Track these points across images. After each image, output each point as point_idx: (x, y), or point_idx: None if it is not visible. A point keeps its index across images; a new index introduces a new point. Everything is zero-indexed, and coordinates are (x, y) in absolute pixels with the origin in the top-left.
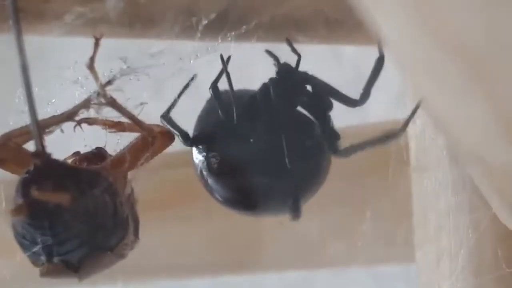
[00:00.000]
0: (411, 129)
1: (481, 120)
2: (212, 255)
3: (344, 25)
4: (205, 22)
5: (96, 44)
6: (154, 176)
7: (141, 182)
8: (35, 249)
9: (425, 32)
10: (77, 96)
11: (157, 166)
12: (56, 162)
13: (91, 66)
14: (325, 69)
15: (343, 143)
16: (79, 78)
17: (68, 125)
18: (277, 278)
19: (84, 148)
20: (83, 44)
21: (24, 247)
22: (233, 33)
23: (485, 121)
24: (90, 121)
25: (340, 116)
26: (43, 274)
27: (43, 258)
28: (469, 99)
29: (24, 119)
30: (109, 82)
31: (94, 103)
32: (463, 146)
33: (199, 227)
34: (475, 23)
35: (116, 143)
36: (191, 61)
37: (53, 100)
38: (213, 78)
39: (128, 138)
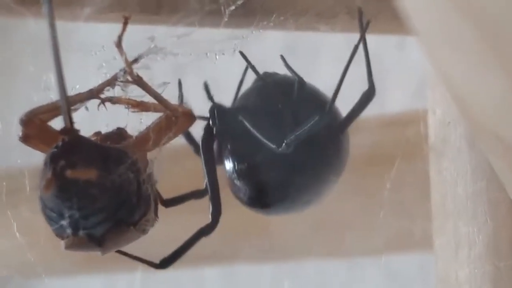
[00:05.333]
0: (430, 118)
1: (501, 96)
2: (226, 245)
3: (364, 14)
4: (228, 10)
5: (125, 23)
6: (169, 167)
7: (157, 173)
8: (63, 222)
9: (452, 4)
10: (101, 82)
11: (171, 157)
12: (84, 138)
13: (118, 44)
14: (345, 57)
15: (362, 133)
16: (103, 64)
17: (91, 105)
18: (292, 268)
19: (106, 128)
20: (107, 29)
21: (52, 220)
22: (255, 22)
23: (504, 97)
24: (114, 100)
25: None
26: (68, 246)
27: (69, 231)
28: (489, 73)
29: (49, 97)
30: (135, 60)
31: (120, 81)
32: (483, 126)
33: None
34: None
35: (139, 122)
36: (214, 47)
37: (77, 86)
38: (234, 66)
39: (151, 118)
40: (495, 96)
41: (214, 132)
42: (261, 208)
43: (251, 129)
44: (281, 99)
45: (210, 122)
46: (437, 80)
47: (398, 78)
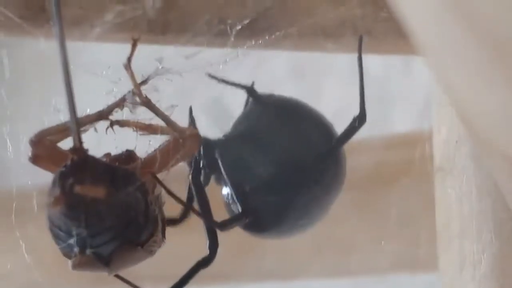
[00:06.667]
0: (435, 136)
1: (508, 114)
2: (230, 265)
3: (371, 34)
4: (235, 30)
5: (134, 45)
6: (177, 189)
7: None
8: (70, 240)
9: (455, 15)
10: (109, 103)
11: (176, 176)
12: (93, 158)
13: (128, 66)
14: (351, 79)
15: (367, 153)
16: (111, 86)
17: (100, 128)
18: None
19: (115, 150)
20: (113, 50)
21: (59, 239)
22: (262, 41)
23: (508, 113)
24: (121, 123)
25: (366, 127)
26: (75, 266)
27: (76, 249)
28: (496, 90)
29: (59, 118)
30: (144, 82)
31: (129, 102)
32: (489, 144)
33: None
34: (504, 10)
35: (147, 144)
36: (220, 67)
37: (88, 110)
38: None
39: (160, 140)
40: (501, 113)
41: (201, 165)
42: (256, 233)
43: (240, 156)
44: (267, 123)
45: (197, 157)
46: (443, 99)
47: (404, 98)
